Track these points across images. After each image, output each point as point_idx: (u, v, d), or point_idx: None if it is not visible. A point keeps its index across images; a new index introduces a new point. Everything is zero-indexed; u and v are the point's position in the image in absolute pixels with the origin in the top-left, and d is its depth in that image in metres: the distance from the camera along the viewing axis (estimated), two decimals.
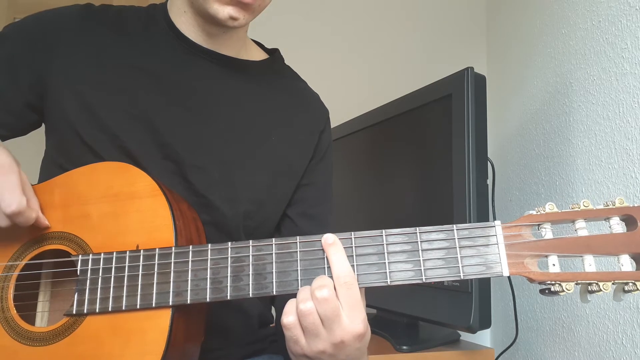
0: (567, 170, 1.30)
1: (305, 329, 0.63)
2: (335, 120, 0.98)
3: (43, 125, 0.88)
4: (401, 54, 1.86)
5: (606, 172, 1.16)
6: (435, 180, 1.22)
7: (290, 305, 0.64)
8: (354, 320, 0.62)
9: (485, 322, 1.07)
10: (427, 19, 1.88)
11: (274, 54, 0.97)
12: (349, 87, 1.81)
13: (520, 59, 1.58)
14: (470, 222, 1.07)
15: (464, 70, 1.13)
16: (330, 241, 0.65)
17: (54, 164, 0.83)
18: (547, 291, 0.60)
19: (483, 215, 1.09)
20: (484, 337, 1.67)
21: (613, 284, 0.59)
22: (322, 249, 0.65)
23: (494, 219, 1.29)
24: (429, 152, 1.25)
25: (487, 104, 1.14)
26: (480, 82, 1.13)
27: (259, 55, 0.95)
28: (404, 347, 1.20)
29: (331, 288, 0.62)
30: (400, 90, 1.38)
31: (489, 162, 1.16)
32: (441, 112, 1.19)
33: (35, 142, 0.94)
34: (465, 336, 1.30)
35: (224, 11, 0.78)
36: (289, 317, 0.63)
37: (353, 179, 1.56)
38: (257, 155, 0.86)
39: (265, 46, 0.98)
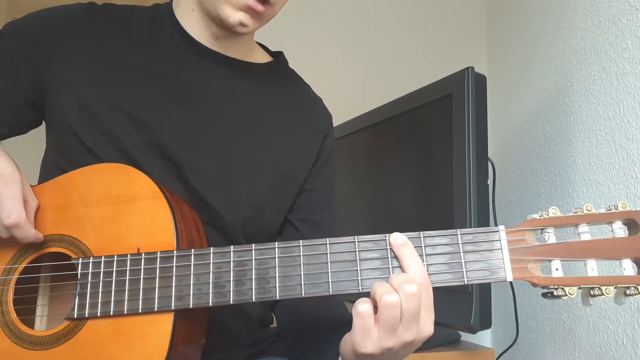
0: (567, 170, 1.30)
1: (384, 321, 0.59)
2: (335, 120, 0.98)
3: (44, 124, 0.87)
4: (401, 54, 1.85)
5: (607, 172, 1.16)
6: (435, 180, 1.21)
7: (367, 297, 0.61)
8: (427, 321, 0.61)
9: (485, 322, 1.07)
10: (428, 19, 1.88)
11: (278, 57, 0.95)
12: (349, 87, 1.80)
13: (521, 58, 1.58)
14: (470, 222, 1.07)
15: (464, 70, 1.13)
16: (402, 241, 0.63)
17: (53, 164, 0.82)
18: (549, 295, 0.60)
19: (484, 215, 1.09)
20: (484, 338, 1.67)
21: (615, 288, 0.59)
22: (326, 253, 0.64)
23: (495, 218, 1.29)
24: (429, 152, 1.25)
25: (488, 103, 1.14)
26: (480, 82, 1.13)
27: (264, 58, 0.93)
28: None
29: (419, 285, 0.60)
30: (400, 90, 1.38)
31: (489, 162, 1.16)
32: (441, 112, 1.19)
33: (35, 142, 0.93)
34: (465, 336, 1.31)
35: (235, 16, 0.77)
36: (364, 304, 0.60)
37: (353, 179, 1.55)
38: (259, 159, 0.85)
39: (269, 49, 0.97)
